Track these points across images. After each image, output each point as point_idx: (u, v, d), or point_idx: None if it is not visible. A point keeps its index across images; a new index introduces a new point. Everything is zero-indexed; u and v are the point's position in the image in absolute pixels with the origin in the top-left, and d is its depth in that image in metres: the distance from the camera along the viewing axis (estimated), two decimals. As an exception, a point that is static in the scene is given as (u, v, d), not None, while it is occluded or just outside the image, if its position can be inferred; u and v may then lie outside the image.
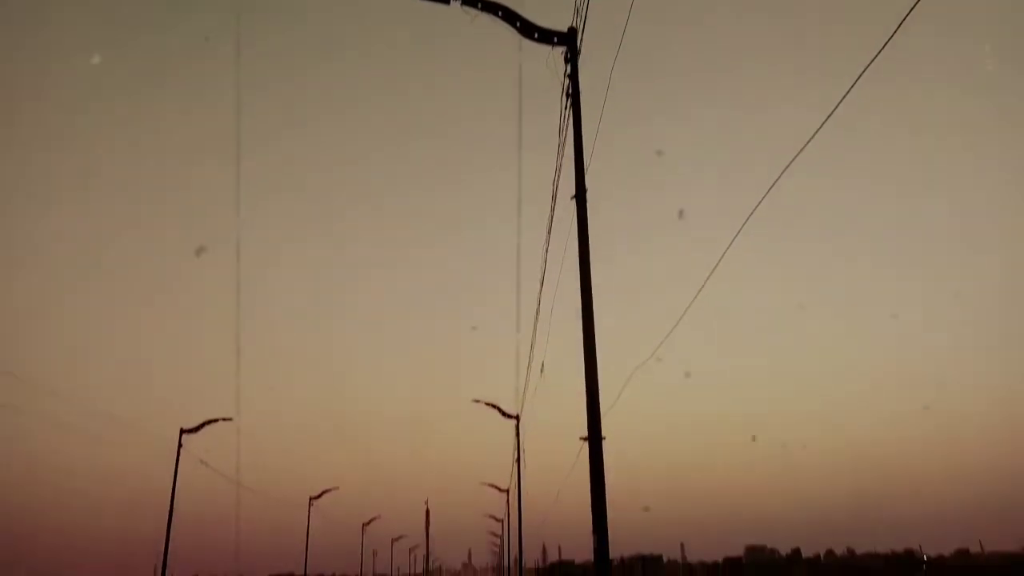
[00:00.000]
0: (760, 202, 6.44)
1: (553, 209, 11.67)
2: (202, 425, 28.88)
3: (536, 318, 17.08)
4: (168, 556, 28.11)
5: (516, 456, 32.48)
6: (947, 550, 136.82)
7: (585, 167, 9.03)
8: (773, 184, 5.93)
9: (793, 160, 6.47)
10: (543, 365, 20.95)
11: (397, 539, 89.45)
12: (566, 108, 9.50)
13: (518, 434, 31.99)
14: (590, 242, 8.35)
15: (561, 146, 9.93)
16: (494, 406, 32.00)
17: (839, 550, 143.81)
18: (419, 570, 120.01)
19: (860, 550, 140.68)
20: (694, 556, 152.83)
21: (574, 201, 8.98)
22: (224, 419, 29.65)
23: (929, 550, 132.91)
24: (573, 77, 9.40)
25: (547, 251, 13.68)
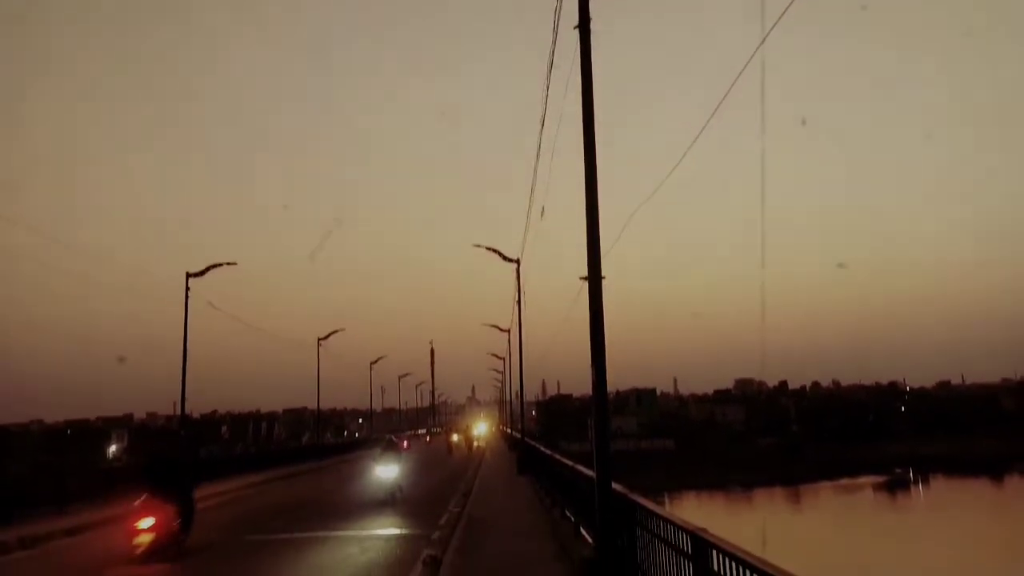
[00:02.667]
0: (777, 21, 6.04)
1: (555, 42, 11.07)
2: (207, 269, 29.23)
3: (536, 159, 16.75)
4: (185, 393, 29.42)
5: (517, 298, 33.18)
6: (930, 382, 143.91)
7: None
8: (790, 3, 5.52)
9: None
10: (543, 209, 20.87)
11: (403, 376, 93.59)
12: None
13: (519, 277, 32.48)
14: (593, 76, 7.95)
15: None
16: (494, 250, 32.23)
17: (825, 382, 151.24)
18: (425, 405, 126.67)
19: (845, 382, 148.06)
20: (686, 389, 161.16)
21: (577, 31, 8.45)
22: (229, 263, 30.05)
23: (913, 382, 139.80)
24: None
25: (548, 88, 13.16)
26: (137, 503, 12.08)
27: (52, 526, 16.15)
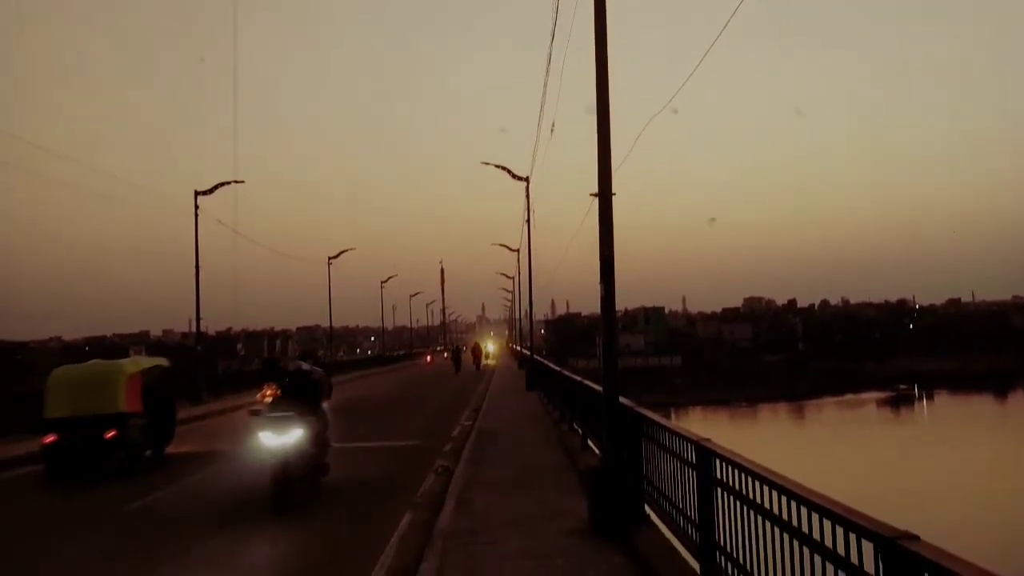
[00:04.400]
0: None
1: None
2: (215, 187, 29.18)
3: (547, 74, 16.38)
4: (200, 310, 29.92)
5: (526, 217, 33.09)
6: (940, 299, 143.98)
7: None
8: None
9: None
10: (553, 125, 20.53)
11: (414, 295, 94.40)
12: None
13: (528, 196, 32.30)
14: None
15: None
16: (503, 168, 31.96)
17: (834, 300, 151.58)
18: (436, 323, 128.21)
19: (855, 300, 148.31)
20: (694, 307, 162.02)
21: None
22: (236, 181, 29.97)
23: (923, 300, 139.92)
24: None
25: (558, -3, 12.72)
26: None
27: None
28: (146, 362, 14.97)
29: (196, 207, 28.93)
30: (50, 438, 12.36)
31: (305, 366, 10.47)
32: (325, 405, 10.43)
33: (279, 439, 9.22)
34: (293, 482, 9.18)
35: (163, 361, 15.92)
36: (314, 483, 9.90)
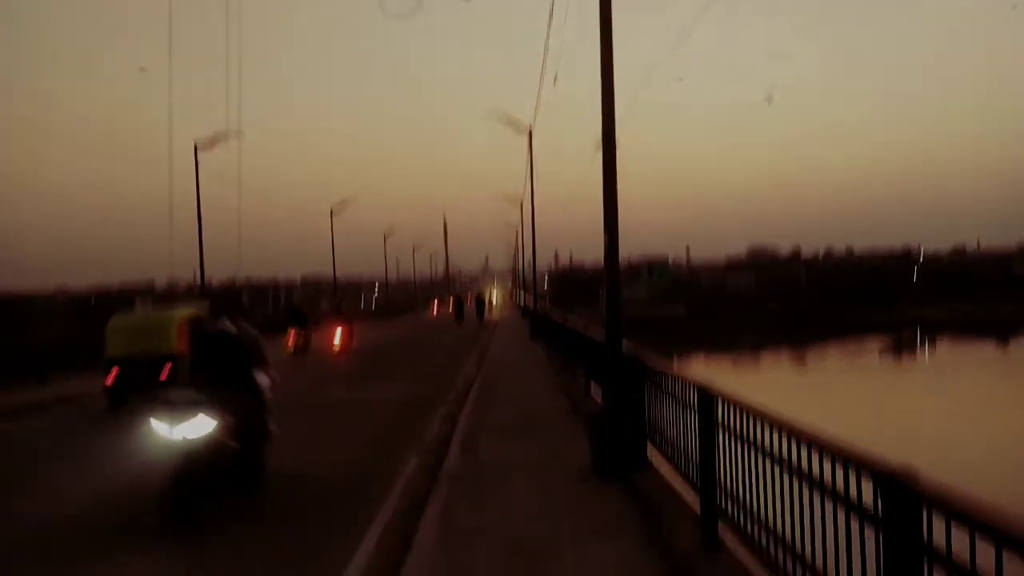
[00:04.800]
0: None
1: None
2: (217, 139, 28.90)
3: (549, 23, 16.03)
4: (204, 262, 30.00)
5: (529, 168, 32.82)
6: (945, 247, 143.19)
7: None
8: None
9: None
10: (556, 75, 20.18)
11: (418, 248, 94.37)
12: None
13: (531, 146, 31.98)
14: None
15: None
16: (506, 119, 31.64)
17: (838, 248, 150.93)
18: (440, 274, 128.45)
19: (859, 248, 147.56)
20: (697, 256, 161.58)
21: None
22: (236, 132, 29.66)
23: (928, 248, 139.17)
24: None
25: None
26: (334, 325, 27.73)
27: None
28: (192, 311, 16.55)
29: (196, 161, 28.74)
30: (113, 372, 14.59)
31: (231, 327, 7.71)
32: (265, 378, 7.86)
33: (179, 431, 6.57)
34: (198, 488, 6.58)
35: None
36: (241, 487, 7.24)
